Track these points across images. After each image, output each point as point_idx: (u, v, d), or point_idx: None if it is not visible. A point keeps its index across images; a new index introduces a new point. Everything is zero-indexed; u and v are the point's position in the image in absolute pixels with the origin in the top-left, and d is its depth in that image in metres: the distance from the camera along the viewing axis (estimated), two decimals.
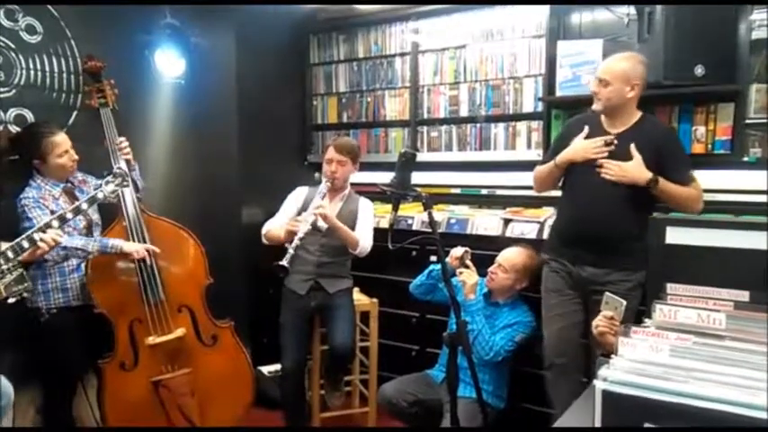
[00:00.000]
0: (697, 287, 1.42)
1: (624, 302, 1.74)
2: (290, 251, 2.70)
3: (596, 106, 2.57)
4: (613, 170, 2.48)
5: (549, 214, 3.19)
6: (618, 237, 2.51)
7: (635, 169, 2.46)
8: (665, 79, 2.74)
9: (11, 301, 1.72)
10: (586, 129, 2.60)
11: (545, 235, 3.06)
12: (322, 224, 2.96)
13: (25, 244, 2.04)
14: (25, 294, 1.85)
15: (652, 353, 1.15)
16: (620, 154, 2.49)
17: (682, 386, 1.04)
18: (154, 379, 2.74)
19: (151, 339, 2.72)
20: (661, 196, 2.50)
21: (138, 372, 2.73)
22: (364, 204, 3.13)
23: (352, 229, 3.00)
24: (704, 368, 1.10)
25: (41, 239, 2.11)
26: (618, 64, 2.52)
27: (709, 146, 2.98)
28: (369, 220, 3.10)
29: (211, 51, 3.43)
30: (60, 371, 2.66)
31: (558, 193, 2.80)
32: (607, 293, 1.84)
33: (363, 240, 2.99)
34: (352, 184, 3.17)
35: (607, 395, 1.04)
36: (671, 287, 1.43)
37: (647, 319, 1.34)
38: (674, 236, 1.62)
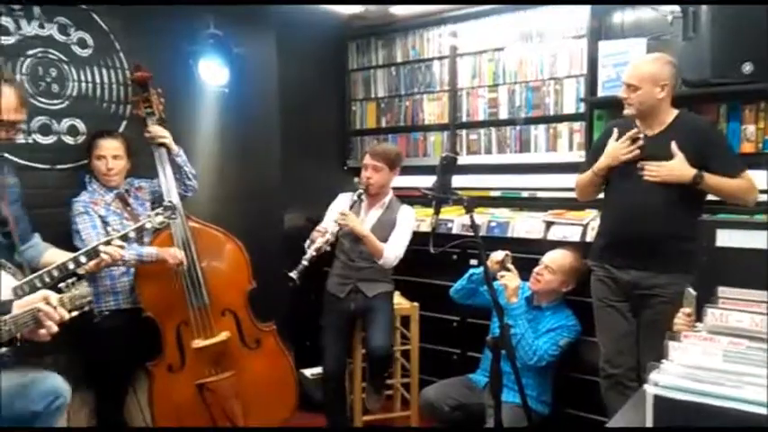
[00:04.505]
0: (749, 291, 1.38)
1: (694, 293, 1.67)
2: (303, 263, 2.71)
3: (628, 111, 2.53)
4: (656, 171, 2.44)
5: (592, 217, 3.14)
6: (662, 238, 2.46)
7: (678, 167, 2.41)
8: (713, 77, 2.68)
9: (74, 313, 1.77)
10: (615, 132, 2.57)
11: (588, 238, 3.02)
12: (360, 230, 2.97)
13: (71, 265, 2.09)
14: (86, 308, 1.89)
15: (704, 357, 1.13)
16: (661, 155, 2.44)
17: (735, 391, 1.02)
18: (199, 382, 2.79)
19: (197, 342, 2.78)
20: (710, 192, 2.45)
21: (185, 374, 2.79)
22: (404, 213, 3.11)
23: (388, 237, 3.01)
24: (758, 373, 1.08)
25: (105, 252, 2.17)
26: (644, 66, 2.49)
27: (760, 144, 2.89)
28: (405, 231, 3.06)
29: (253, 60, 3.50)
30: (111, 372, 2.74)
31: (601, 195, 2.76)
32: (687, 288, 1.77)
33: (389, 252, 2.98)
34: (392, 189, 3.18)
35: (659, 400, 1.03)
36: (722, 291, 1.40)
37: (698, 324, 1.31)
38: (725, 238, 1.58)
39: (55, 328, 1.67)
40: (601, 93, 3.20)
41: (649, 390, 1.04)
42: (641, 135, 2.49)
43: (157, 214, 2.40)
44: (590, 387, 2.83)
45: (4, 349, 1.76)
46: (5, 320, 1.57)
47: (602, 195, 2.74)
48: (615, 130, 2.57)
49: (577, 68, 3.39)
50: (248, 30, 3.48)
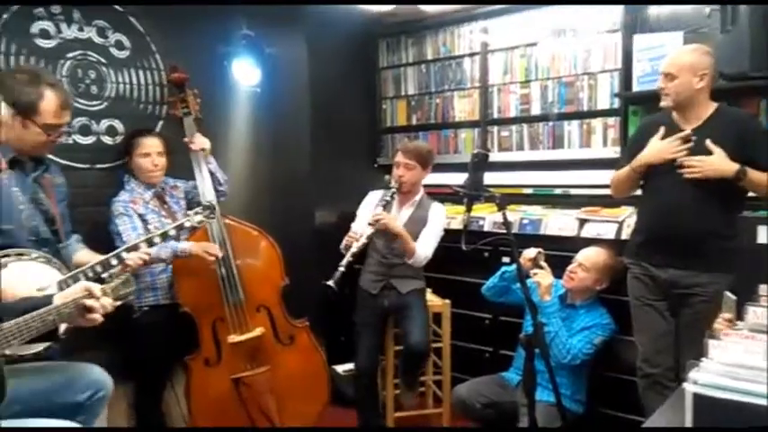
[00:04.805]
0: None
1: (734, 298, 1.63)
2: (341, 268, 2.72)
3: (665, 102, 2.48)
4: (697, 167, 2.38)
5: (627, 214, 3.09)
6: (702, 235, 2.40)
7: (719, 163, 2.34)
8: (752, 71, 2.61)
9: (117, 304, 1.81)
10: (662, 130, 2.51)
11: (624, 235, 2.97)
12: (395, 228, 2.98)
13: (113, 261, 2.15)
14: (130, 297, 1.93)
15: (746, 356, 1.10)
16: (700, 150, 2.39)
17: None
18: (234, 376, 2.85)
19: (232, 338, 2.84)
20: (750, 187, 2.38)
21: (221, 368, 2.85)
22: (435, 211, 3.10)
23: (419, 235, 3.01)
24: None
25: (128, 258, 2.20)
26: (682, 56, 2.45)
27: None
28: (435, 229, 3.06)
29: (284, 59, 3.54)
30: (150, 367, 2.81)
31: (638, 191, 2.71)
32: (726, 293, 1.72)
33: (421, 250, 2.98)
34: (423, 186, 3.18)
35: (698, 398, 1.01)
36: (763, 288, 1.37)
37: (739, 322, 1.29)
38: (766, 235, 1.55)
39: (100, 318, 1.71)
40: (636, 88, 3.14)
41: (689, 388, 1.03)
42: (694, 137, 2.42)
43: (197, 213, 2.45)
44: (625, 386, 2.79)
45: (48, 344, 1.82)
46: (49, 311, 1.61)
47: (638, 192, 2.69)
48: (662, 129, 2.50)
49: (611, 63, 3.33)
50: (280, 30, 3.52)
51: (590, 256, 2.83)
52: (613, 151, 3.28)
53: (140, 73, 2.99)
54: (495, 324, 3.43)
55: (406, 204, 3.10)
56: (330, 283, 2.69)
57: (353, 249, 2.79)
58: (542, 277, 2.77)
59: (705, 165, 2.36)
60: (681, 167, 2.40)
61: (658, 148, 2.49)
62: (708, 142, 2.36)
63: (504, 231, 2.29)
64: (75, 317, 1.67)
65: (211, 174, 2.93)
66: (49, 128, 2.07)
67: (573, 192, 3.53)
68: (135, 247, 2.23)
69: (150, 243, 2.30)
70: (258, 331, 2.89)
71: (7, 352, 1.58)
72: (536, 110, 3.66)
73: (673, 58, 2.48)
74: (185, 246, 2.72)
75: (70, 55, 2.75)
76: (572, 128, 3.53)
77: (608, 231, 3.09)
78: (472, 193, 2.25)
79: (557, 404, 2.35)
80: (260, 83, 3.38)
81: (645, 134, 2.58)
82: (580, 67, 3.47)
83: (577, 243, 3.04)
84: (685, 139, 2.43)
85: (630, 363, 2.70)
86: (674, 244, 2.46)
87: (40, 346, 1.81)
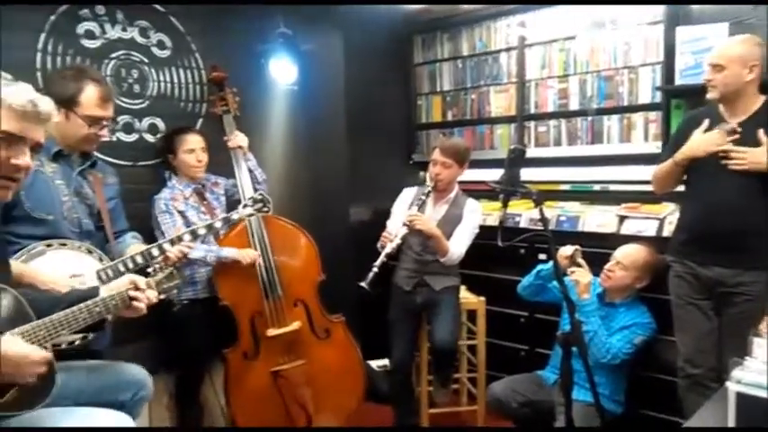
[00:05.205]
0: None
1: None
2: (374, 269, 2.74)
3: (711, 94, 2.42)
4: (742, 158, 2.31)
5: (669, 210, 3.02)
6: (747, 232, 2.34)
7: (763, 155, 2.27)
8: None
9: (162, 296, 1.85)
10: (706, 122, 2.44)
11: (665, 232, 2.91)
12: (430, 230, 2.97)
13: (155, 252, 2.19)
14: (174, 291, 1.96)
15: None
16: (747, 143, 2.32)
17: None
18: (273, 369, 2.89)
19: (270, 331, 2.88)
20: None
21: (259, 361, 2.89)
22: (470, 208, 3.09)
23: (453, 232, 3.01)
24: None
25: (169, 251, 2.24)
26: (732, 47, 2.38)
27: None
28: (469, 227, 3.05)
29: (321, 57, 3.57)
30: (189, 359, 2.87)
31: (680, 188, 2.65)
32: None
33: (453, 248, 2.97)
34: (459, 183, 3.17)
35: (741, 397, 0.99)
36: None
37: None
38: None
39: (144, 309, 1.76)
40: (678, 81, 3.06)
41: (732, 387, 1.01)
42: (739, 129, 2.36)
43: (245, 206, 2.48)
44: (665, 386, 2.73)
45: (86, 334, 1.87)
46: (96, 303, 1.66)
47: (681, 188, 2.63)
48: (706, 121, 2.44)
49: (653, 56, 3.25)
50: (316, 27, 3.55)
51: (629, 254, 2.77)
52: (655, 146, 3.20)
53: (181, 72, 3.06)
54: (530, 322, 3.39)
55: (441, 201, 3.09)
56: (363, 284, 2.72)
57: (387, 250, 2.81)
58: (580, 275, 2.73)
59: (751, 157, 2.29)
60: (726, 158, 2.33)
61: (701, 140, 2.42)
62: (760, 133, 2.29)
63: (541, 228, 2.26)
64: (121, 308, 1.72)
65: (250, 171, 2.97)
66: (90, 119, 2.11)
67: (612, 188, 3.46)
68: (178, 239, 2.27)
69: (195, 235, 2.33)
70: (295, 325, 2.93)
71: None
72: (574, 105, 3.60)
73: (722, 48, 2.41)
74: (228, 253, 2.77)
75: (114, 55, 2.82)
76: (612, 123, 3.46)
77: (649, 228, 3.03)
78: (508, 189, 2.22)
79: (595, 404, 2.31)
80: (297, 81, 3.41)
81: (690, 127, 2.52)
82: (620, 60, 3.39)
83: (617, 240, 2.99)
84: (730, 132, 2.36)
85: (670, 362, 2.64)
86: (719, 241, 2.40)
87: (80, 336, 1.86)
